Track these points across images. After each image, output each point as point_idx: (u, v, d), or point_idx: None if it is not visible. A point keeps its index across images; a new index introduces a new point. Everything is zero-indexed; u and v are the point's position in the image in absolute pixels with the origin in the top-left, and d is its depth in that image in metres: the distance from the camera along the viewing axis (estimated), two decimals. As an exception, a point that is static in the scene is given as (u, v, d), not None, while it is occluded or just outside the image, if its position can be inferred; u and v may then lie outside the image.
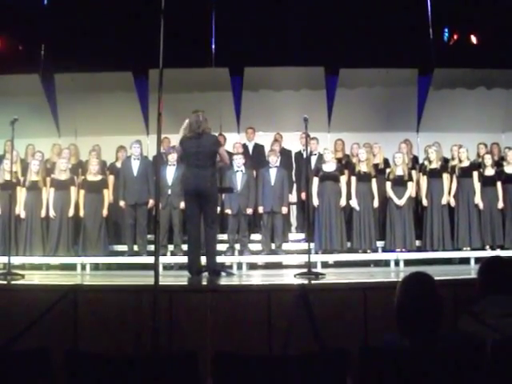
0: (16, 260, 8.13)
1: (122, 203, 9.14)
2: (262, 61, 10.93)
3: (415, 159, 10.22)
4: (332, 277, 6.54)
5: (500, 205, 8.97)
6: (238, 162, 9.18)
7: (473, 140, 10.11)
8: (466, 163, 9.17)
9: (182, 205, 9.15)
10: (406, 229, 8.98)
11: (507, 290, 3.02)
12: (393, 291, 2.76)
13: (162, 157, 9.07)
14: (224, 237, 9.20)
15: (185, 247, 8.96)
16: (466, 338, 2.73)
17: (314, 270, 6.51)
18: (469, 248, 8.91)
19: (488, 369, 2.57)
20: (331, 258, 9.06)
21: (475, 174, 9.06)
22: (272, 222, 9.20)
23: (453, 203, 9.05)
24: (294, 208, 10.29)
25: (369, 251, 9.04)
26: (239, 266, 8.72)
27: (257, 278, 7.68)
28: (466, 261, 8.78)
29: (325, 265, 8.76)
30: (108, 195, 9.28)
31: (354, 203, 9.06)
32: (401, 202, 8.99)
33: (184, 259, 8.51)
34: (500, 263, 3.23)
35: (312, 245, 8.28)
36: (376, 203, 9.12)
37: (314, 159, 9.63)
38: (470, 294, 3.26)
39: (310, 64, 10.97)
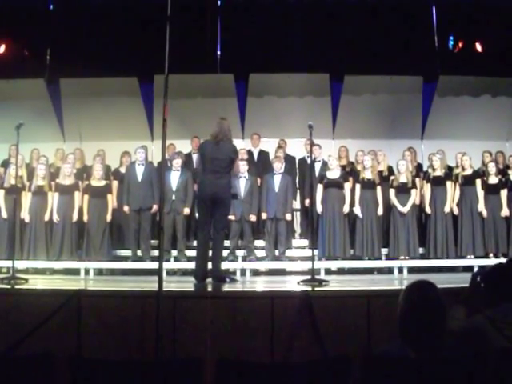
0: (20, 264, 8.13)
1: (125, 208, 9.14)
2: (266, 67, 10.92)
3: (419, 167, 10.20)
4: (335, 284, 6.53)
5: (504, 213, 8.95)
6: (242, 168, 9.17)
7: (477, 148, 10.10)
8: (468, 171, 9.15)
9: (186, 210, 9.18)
10: (410, 236, 8.95)
11: None
12: (396, 299, 2.76)
13: (167, 162, 9.08)
14: (227, 243, 9.19)
15: (188, 253, 9.00)
16: (469, 346, 2.73)
17: (317, 276, 6.48)
18: (472, 256, 8.89)
19: (492, 377, 2.57)
20: (335, 264, 9.05)
21: (478, 181, 9.04)
22: (276, 229, 9.19)
23: (456, 211, 9.03)
24: (297, 215, 10.28)
25: (372, 258, 9.02)
26: (243, 272, 8.72)
27: (260, 285, 7.68)
28: (469, 269, 8.75)
29: (328, 272, 8.76)
30: (112, 200, 9.28)
31: (357, 210, 9.03)
32: (404, 210, 8.96)
33: (187, 265, 8.57)
34: (505, 270, 3.22)
35: (315, 251, 8.26)
36: (380, 211, 9.10)
37: (317, 166, 9.61)
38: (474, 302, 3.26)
39: (314, 71, 10.96)
